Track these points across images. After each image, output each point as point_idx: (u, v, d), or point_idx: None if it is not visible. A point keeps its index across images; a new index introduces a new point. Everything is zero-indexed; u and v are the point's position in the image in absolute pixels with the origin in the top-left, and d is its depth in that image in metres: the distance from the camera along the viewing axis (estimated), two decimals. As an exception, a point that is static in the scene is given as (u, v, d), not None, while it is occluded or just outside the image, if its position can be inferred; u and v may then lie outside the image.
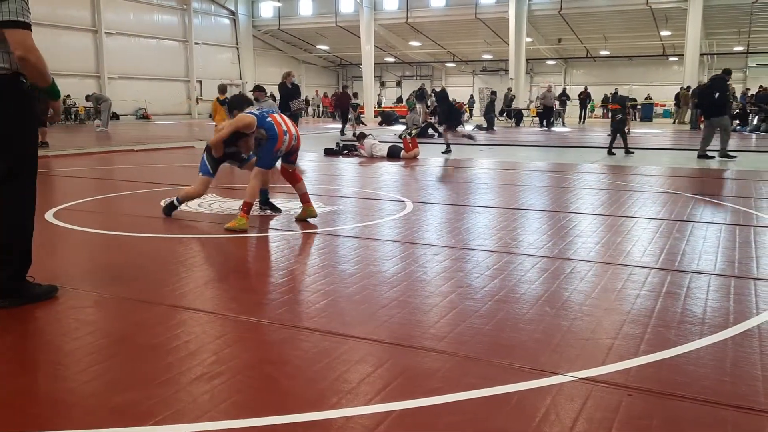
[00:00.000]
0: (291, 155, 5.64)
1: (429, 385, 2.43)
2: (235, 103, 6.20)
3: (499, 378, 2.48)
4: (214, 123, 12.41)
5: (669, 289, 3.68)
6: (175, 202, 5.87)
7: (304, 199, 5.74)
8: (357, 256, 4.48)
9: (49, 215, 5.85)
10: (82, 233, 5.28)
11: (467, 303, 3.41)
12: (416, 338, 2.91)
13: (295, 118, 12.22)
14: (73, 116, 27.52)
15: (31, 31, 3.14)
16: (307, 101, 37.71)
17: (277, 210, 6.17)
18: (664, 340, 2.89)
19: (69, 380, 2.50)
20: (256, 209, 5.94)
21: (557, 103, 29.71)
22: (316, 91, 41.58)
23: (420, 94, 25.96)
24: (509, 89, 29.85)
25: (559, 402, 2.29)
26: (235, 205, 6.36)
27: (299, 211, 5.85)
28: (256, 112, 5.46)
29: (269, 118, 5.39)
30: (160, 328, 3.08)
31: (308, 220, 5.74)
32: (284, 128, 5.40)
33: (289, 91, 13.19)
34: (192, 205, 6.32)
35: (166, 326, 3.10)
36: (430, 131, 18.69)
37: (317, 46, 42.09)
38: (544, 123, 24.46)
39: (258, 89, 11.62)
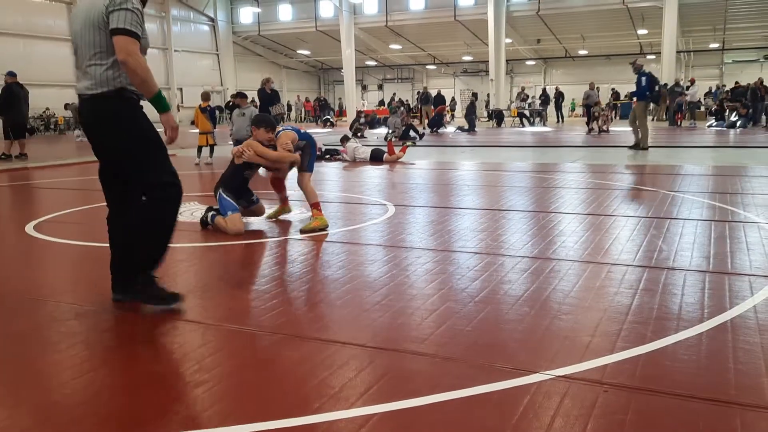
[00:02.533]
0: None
1: (410, 386, 2.47)
2: (260, 122, 5.89)
3: (479, 378, 2.53)
4: (197, 130, 12.41)
5: (646, 285, 3.75)
6: (209, 220, 5.70)
7: (285, 202, 6.16)
8: (339, 261, 4.51)
9: (29, 228, 5.82)
10: (63, 245, 5.26)
11: (448, 305, 3.46)
12: (398, 341, 2.95)
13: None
14: (52, 126, 27.30)
15: (139, 42, 3.25)
16: (288, 106, 37.76)
17: (207, 227, 5.74)
18: (641, 336, 2.96)
19: (53, 392, 2.51)
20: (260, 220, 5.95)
21: (538, 102, 30.02)
22: (298, 96, 41.57)
23: (425, 98, 26.42)
24: (523, 88, 30.11)
25: (537, 400, 2.34)
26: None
27: (283, 216, 6.02)
28: (289, 128, 5.87)
29: (302, 131, 5.89)
30: (142, 339, 3.09)
31: (298, 219, 5.86)
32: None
33: (268, 96, 13.34)
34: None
35: (148, 336, 3.12)
36: (412, 133, 18.79)
37: (298, 51, 42.10)
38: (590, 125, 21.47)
39: (239, 96, 11.62)
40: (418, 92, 27.61)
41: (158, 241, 3.46)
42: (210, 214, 5.71)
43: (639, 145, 13.26)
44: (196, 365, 2.72)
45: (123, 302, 3.55)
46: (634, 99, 14.49)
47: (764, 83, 22.41)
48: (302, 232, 5.50)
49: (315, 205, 5.67)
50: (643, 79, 13.43)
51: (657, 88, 13.69)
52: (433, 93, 26.58)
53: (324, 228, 5.55)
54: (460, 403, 2.34)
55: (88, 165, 12.79)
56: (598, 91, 23.18)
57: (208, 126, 12.05)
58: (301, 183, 5.74)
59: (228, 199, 5.58)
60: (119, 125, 3.32)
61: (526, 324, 3.15)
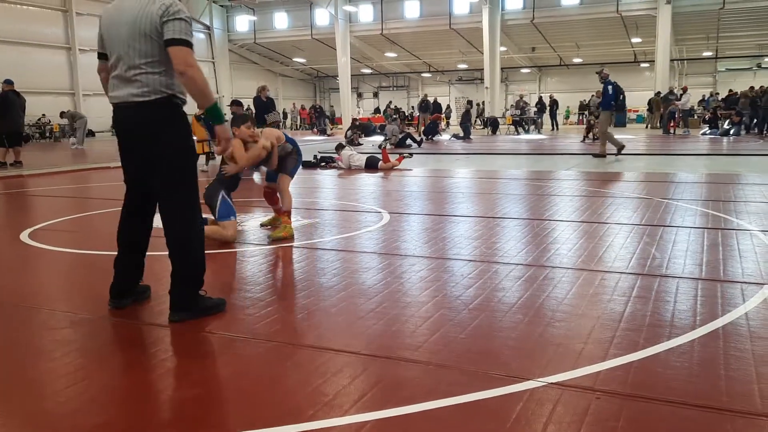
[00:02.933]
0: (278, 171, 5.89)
1: (403, 394, 2.48)
2: (238, 120, 5.81)
3: (472, 385, 2.54)
4: (195, 138, 12.42)
5: (638, 293, 3.77)
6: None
7: (279, 211, 6.02)
8: (334, 269, 4.52)
9: (24, 236, 5.82)
10: (58, 253, 5.26)
11: (442, 312, 3.47)
12: (392, 348, 2.96)
13: None
14: (47, 134, 27.27)
15: (193, 50, 3.28)
16: (284, 114, 37.86)
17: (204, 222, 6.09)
18: (633, 343, 2.97)
19: (46, 400, 2.51)
20: (252, 217, 5.95)
21: (533, 110, 30.16)
22: (293, 104, 41.66)
23: (424, 106, 26.77)
24: (521, 96, 30.31)
25: (529, 407, 2.35)
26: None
27: (276, 226, 5.96)
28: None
29: (289, 135, 5.90)
30: (136, 347, 3.10)
31: (293, 227, 5.89)
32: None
33: (263, 104, 13.37)
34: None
35: (143, 344, 3.12)
36: (409, 141, 18.82)
37: (293, 59, 42.19)
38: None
39: (235, 104, 11.64)
40: (422, 100, 27.99)
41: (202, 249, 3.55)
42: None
43: (618, 152, 13.69)
44: (190, 373, 2.73)
45: (121, 309, 3.57)
46: (600, 108, 14.94)
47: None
48: (270, 238, 5.57)
49: (287, 213, 5.71)
50: (609, 88, 13.79)
51: (621, 97, 14.13)
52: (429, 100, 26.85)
53: (290, 238, 5.52)
54: (453, 410, 2.35)
55: (85, 173, 12.79)
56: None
57: (205, 134, 12.07)
58: (280, 185, 5.80)
59: (230, 203, 5.46)
60: (171, 130, 3.36)
61: (520, 331, 3.17)
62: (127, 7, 3.28)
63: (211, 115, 3.38)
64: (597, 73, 14.64)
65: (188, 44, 3.23)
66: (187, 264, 3.44)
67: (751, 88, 23.53)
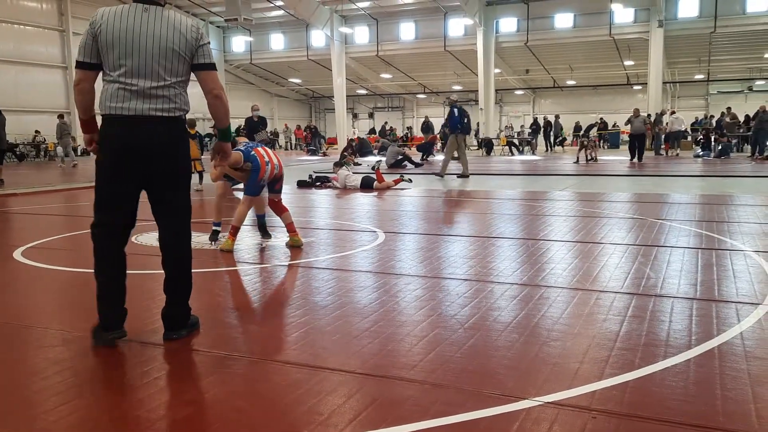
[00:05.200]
0: (275, 183, 6.08)
1: (399, 413, 2.46)
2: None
3: (468, 404, 2.52)
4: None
5: (634, 312, 3.77)
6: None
7: (290, 228, 6.10)
8: (329, 288, 4.51)
9: (17, 254, 5.79)
10: (51, 271, 5.23)
11: (438, 331, 3.46)
12: (387, 367, 2.95)
13: None
14: (42, 153, 27.25)
15: None
16: (276, 133, 38.02)
17: (268, 235, 6.49)
18: (629, 362, 2.97)
19: (38, 419, 2.48)
20: (247, 235, 5.94)
21: (528, 132, 30.37)
22: (285, 124, 41.87)
23: (426, 127, 27.48)
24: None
25: (525, 427, 2.34)
26: (203, 239, 6.36)
27: (272, 242, 6.15)
28: (242, 148, 5.96)
29: (253, 152, 5.91)
30: (130, 365, 3.07)
31: (287, 248, 6.01)
32: (266, 159, 5.91)
33: (254, 124, 14.07)
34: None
35: (136, 363, 3.10)
36: (406, 163, 18.83)
37: (289, 80, 42.42)
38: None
39: None
40: (424, 122, 28.94)
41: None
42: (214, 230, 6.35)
43: (465, 174, 14.30)
44: (184, 392, 2.70)
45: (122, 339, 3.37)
46: (447, 130, 15.59)
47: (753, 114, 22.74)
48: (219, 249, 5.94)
49: (232, 228, 5.90)
50: (455, 111, 14.37)
51: (466, 120, 14.67)
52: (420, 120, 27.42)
53: (229, 251, 5.81)
54: (449, 429, 2.33)
55: (79, 191, 12.76)
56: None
57: (197, 152, 12.18)
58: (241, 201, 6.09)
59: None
60: (184, 145, 3.41)
61: (516, 350, 3.16)
62: (148, 21, 3.20)
63: (226, 134, 3.57)
64: (447, 98, 15.66)
65: (216, 69, 3.42)
66: (189, 281, 3.45)
67: (727, 110, 23.98)
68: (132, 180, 3.30)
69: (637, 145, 19.96)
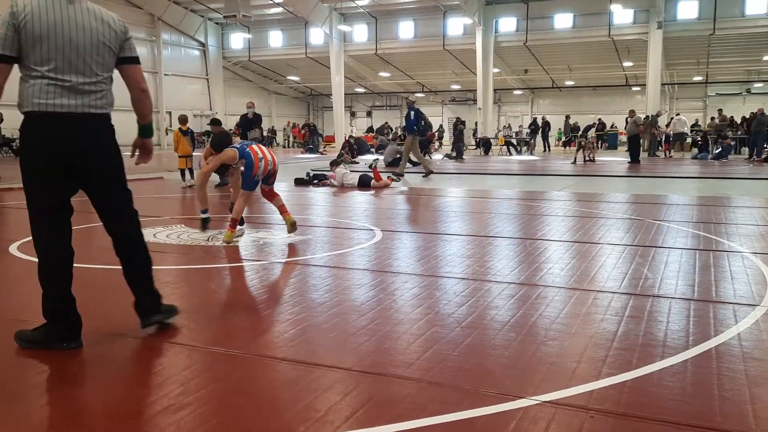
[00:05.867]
0: (269, 178, 6.29)
1: (395, 411, 2.45)
2: (223, 144, 6.52)
3: (465, 403, 2.51)
4: (176, 153, 12.47)
5: (631, 312, 3.76)
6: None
7: (282, 210, 6.39)
8: (326, 285, 4.50)
9: (13, 248, 5.76)
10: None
11: (435, 329, 3.45)
12: (384, 365, 2.93)
13: None
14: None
15: None
16: (273, 131, 37.98)
17: (241, 222, 6.62)
18: (626, 362, 2.96)
19: (31, 415, 2.46)
20: (245, 232, 6.10)
21: (526, 132, 30.39)
22: (288, 122, 41.84)
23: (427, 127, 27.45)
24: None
25: (522, 426, 2.33)
26: (203, 236, 6.35)
27: (270, 239, 6.17)
28: (238, 146, 6.19)
29: (248, 149, 6.09)
30: (127, 361, 3.05)
31: (285, 243, 6.10)
32: (260, 156, 6.07)
33: (248, 121, 14.06)
34: (161, 237, 6.30)
35: (133, 359, 3.08)
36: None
37: (287, 77, 42.34)
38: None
39: (214, 123, 11.74)
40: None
41: None
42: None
43: (428, 173, 14.44)
44: (179, 388, 2.69)
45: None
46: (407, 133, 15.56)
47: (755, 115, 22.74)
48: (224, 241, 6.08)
49: (231, 221, 6.10)
50: (412, 113, 14.49)
51: (422, 122, 15.05)
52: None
53: (228, 244, 5.99)
54: (445, 427, 2.32)
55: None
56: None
57: (190, 149, 12.17)
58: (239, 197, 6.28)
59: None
60: (115, 140, 3.31)
61: (513, 349, 3.15)
62: (76, 13, 3.04)
63: (148, 130, 3.46)
64: (405, 99, 15.72)
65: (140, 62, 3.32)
66: (150, 263, 3.45)
67: (718, 111, 24.03)
68: (70, 180, 3.15)
69: (630, 147, 20.21)
